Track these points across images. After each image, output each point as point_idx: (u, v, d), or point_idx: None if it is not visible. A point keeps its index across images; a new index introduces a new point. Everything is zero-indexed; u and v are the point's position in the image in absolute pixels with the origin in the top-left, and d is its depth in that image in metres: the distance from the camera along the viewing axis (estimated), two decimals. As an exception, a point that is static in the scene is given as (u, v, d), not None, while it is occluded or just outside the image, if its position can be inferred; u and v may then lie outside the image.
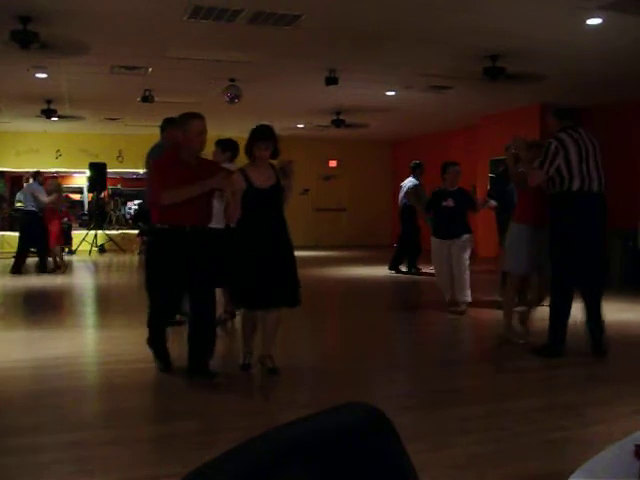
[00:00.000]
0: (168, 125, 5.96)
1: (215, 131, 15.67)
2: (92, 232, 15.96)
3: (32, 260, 11.92)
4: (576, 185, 5.14)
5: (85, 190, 17.32)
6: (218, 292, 5.06)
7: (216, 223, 5.03)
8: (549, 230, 5.34)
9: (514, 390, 4.53)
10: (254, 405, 4.15)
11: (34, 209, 11.21)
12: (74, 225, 16.50)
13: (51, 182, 11.84)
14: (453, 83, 10.25)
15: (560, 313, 5.27)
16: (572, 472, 1.24)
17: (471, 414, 3.93)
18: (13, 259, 11.60)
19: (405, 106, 12.65)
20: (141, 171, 13.52)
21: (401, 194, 11.42)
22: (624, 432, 1.66)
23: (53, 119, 12.53)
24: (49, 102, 11.85)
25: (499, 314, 6.16)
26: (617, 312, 7.08)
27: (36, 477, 3.05)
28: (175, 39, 7.85)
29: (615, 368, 5.18)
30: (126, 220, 17.36)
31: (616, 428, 3.51)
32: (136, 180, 16.47)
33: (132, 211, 17.51)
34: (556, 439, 3.47)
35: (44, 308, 8.38)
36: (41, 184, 11.43)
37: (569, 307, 5.29)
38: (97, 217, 16.22)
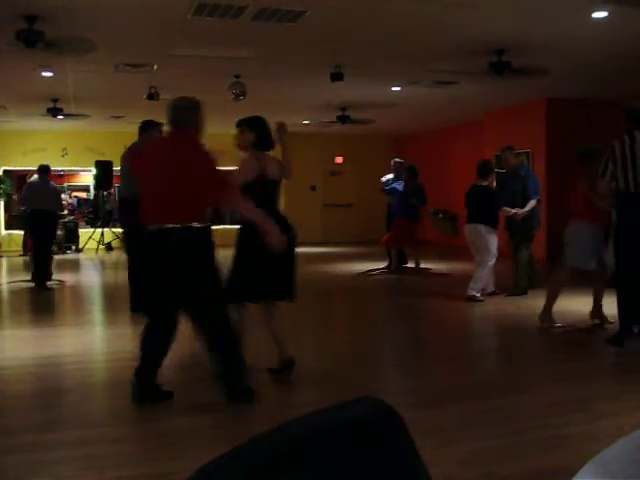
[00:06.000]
0: (148, 127, 6.99)
1: (220, 128, 15.57)
2: (99, 230, 16.05)
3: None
4: (631, 185, 5.32)
5: (92, 188, 17.36)
6: None
7: None
8: (615, 227, 5.50)
9: (520, 385, 4.53)
10: (262, 401, 4.16)
11: None
12: (81, 223, 16.61)
13: None
14: (458, 78, 10.21)
15: (628, 303, 5.35)
16: (581, 467, 1.23)
17: (477, 409, 3.92)
18: None
19: (410, 102, 12.62)
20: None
21: None
22: (633, 426, 1.65)
23: (59, 117, 12.54)
24: (55, 101, 11.85)
25: (504, 307, 6.15)
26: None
27: (45, 474, 3.07)
28: (180, 36, 7.85)
29: (623, 362, 5.17)
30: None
31: (625, 422, 3.49)
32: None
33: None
34: (564, 434, 3.46)
35: (51, 306, 8.42)
36: None
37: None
38: (103, 215, 16.29)
